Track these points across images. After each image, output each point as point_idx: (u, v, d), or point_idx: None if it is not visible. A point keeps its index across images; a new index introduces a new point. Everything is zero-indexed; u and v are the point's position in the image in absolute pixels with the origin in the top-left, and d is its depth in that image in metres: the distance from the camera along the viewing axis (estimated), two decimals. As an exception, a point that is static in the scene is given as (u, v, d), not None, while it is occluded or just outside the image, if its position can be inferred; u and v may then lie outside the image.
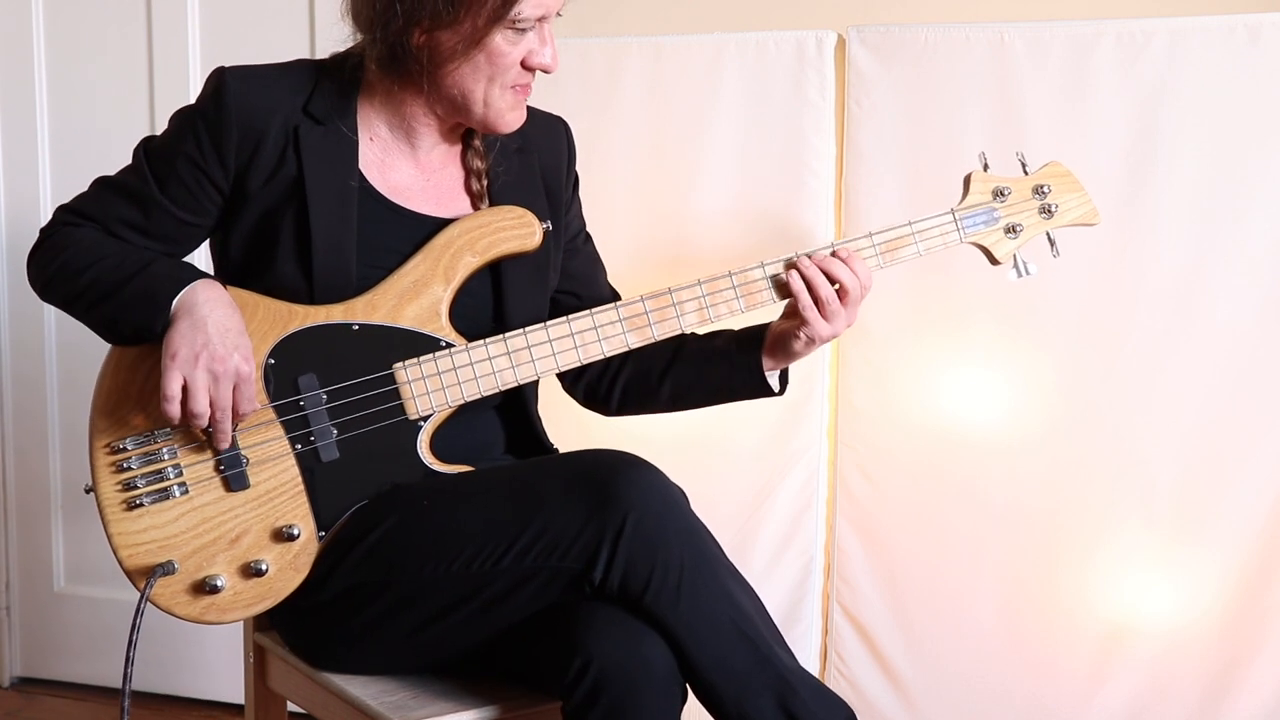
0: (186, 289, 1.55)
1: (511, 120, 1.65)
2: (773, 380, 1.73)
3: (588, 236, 1.87)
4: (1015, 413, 2.17)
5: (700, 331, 1.75)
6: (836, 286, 1.66)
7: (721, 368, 1.74)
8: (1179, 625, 2.11)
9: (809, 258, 1.66)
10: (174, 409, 1.52)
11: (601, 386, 1.82)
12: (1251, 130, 2.03)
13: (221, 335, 1.52)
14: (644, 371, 1.79)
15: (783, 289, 1.68)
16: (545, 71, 1.63)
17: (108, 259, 1.60)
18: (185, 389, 1.51)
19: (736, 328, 1.77)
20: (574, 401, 1.96)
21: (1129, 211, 2.07)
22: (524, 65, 1.61)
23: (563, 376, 1.83)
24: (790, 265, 1.67)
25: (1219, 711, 2.11)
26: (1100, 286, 2.11)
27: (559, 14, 1.63)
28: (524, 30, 1.59)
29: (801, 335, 1.67)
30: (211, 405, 1.53)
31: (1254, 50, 2.01)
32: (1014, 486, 2.17)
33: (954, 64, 2.13)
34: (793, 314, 1.68)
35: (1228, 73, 2.02)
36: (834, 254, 1.66)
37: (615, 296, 1.86)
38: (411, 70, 1.60)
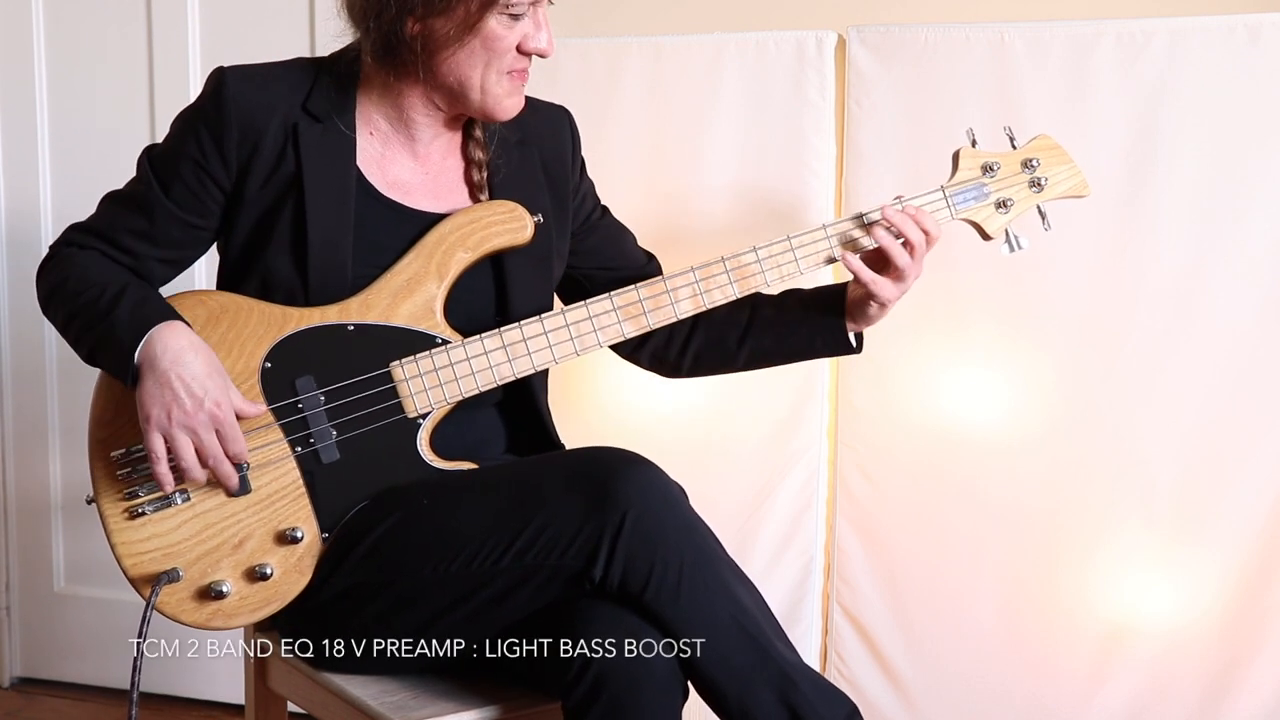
0: (144, 341, 1.53)
1: (510, 107, 1.65)
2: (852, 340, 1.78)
3: (604, 210, 1.88)
4: (1015, 413, 2.17)
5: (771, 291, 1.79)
6: (903, 242, 1.69)
7: (802, 333, 1.78)
8: (1179, 625, 2.11)
9: (883, 220, 1.69)
10: (162, 469, 1.53)
11: (670, 353, 1.84)
12: (1251, 130, 2.03)
13: (187, 387, 1.52)
14: (717, 339, 1.81)
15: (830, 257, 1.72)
16: (541, 56, 1.63)
17: (89, 290, 1.59)
18: (170, 449, 1.52)
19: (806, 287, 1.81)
20: (573, 400, 1.96)
21: (1129, 211, 2.07)
22: (520, 50, 1.61)
23: (621, 347, 1.84)
24: (850, 237, 1.71)
25: (1219, 711, 2.11)
26: (1100, 286, 2.10)
27: (551, 1, 1.63)
28: (518, 15, 1.59)
29: (873, 303, 1.71)
30: (201, 455, 1.53)
31: (1254, 50, 2.01)
32: (1014, 486, 2.16)
33: (954, 64, 2.13)
34: (861, 284, 1.71)
35: (1228, 73, 2.02)
36: (903, 210, 1.70)
37: (649, 257, 1.88)
38: (407, 60, 1.60)
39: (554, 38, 1.63)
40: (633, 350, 1.86)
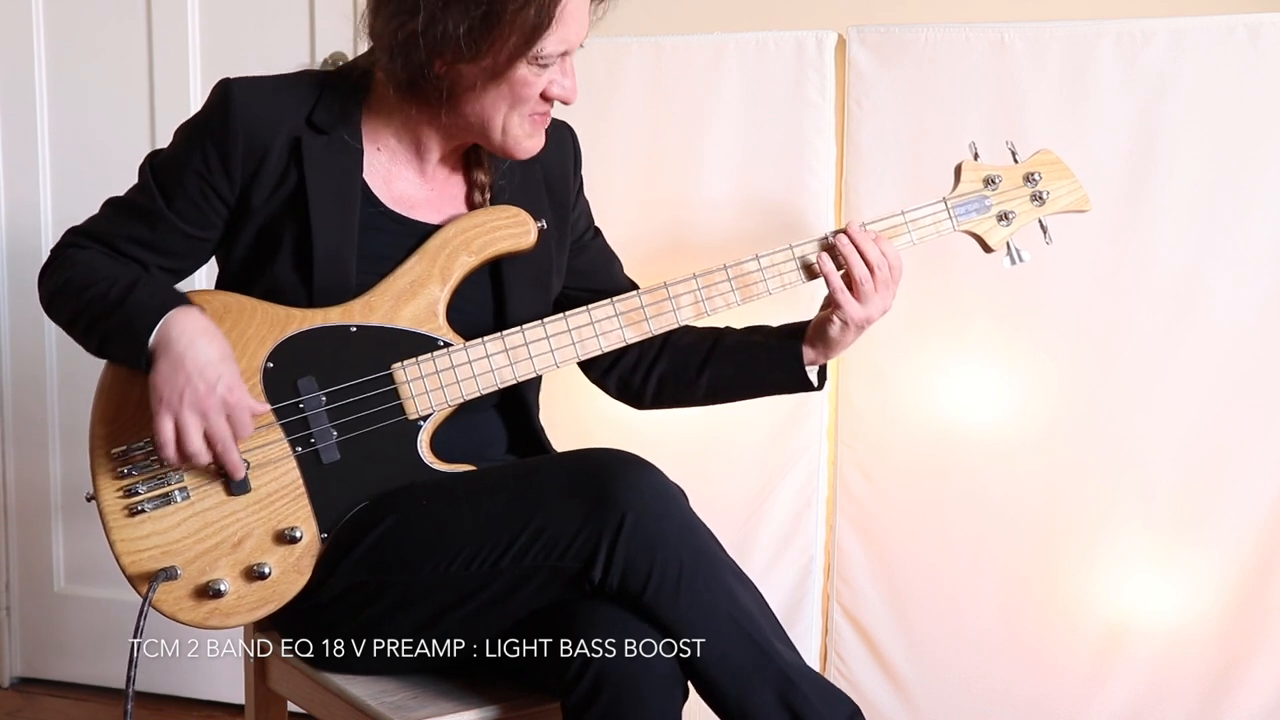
0: (160, 324, 1.53)
1: (529, 147, 1.65)
2: (811, 375, 1.75)
3: (596, 231, 1.88)
4: (1015, 413, 2.17)
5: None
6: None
7: (761, 360, 1.76)
8: (1179, 625, 2.11)
9: (844, 234, 1.68)
10: (170, 452, 1.52)
11: (635, 379, 1.83)
12: (1252, 130, 2.03)
13: (201, 371, 1.51)
14: (680, 365, 1.80)
15: (810, 271, 1.70)
16: (565, 103, 1.63)
17: (98, 285, 1.59)
18: (178, 430, 1.52)
19: (775, 324, 1.80)
20: (573, 401, 1.95)
21: (1129, 211, 2.07)
22: (544, 96, 1.62)
23: (591, 369, 1.85)
24: (825, 246, 1.69)
25: (1219, 711, 2.11)
26: (1100, 286, 2.11)
27: (581, 45, 1.63)
28: (547, 64, 1.59)
29: (835, 320, 1.69)
30: (210, 439, 1.53)
31: (1254, 50, 2.01)
32: (1014, 486, 2.17)
33: (954, 64, 2.13)
34: (828, 302, 1.70)
35: (1228, 73, 2.02)
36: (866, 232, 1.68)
37: (634, 286, 1.87)
38: (431, 97, 1.60)
39: (576, 75, 1.62)
40: (603, 374, 1.85)
